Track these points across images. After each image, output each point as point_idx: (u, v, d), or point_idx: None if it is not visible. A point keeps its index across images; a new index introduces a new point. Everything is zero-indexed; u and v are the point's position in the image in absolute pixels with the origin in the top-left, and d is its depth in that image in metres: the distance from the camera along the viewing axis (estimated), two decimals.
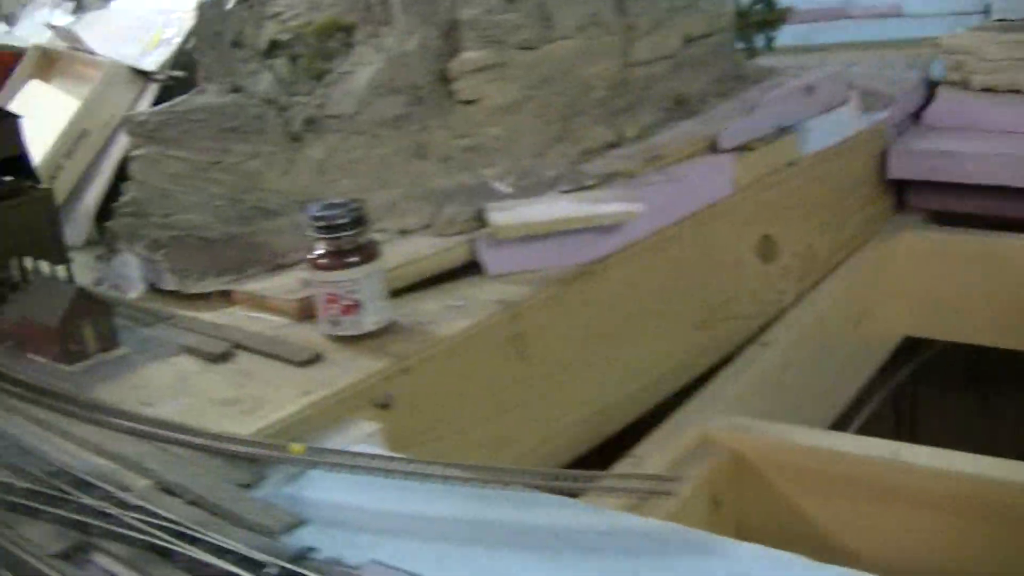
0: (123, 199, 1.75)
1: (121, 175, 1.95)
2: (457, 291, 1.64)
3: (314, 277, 1.48)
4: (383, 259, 1.49)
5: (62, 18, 2.58)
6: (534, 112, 1.92)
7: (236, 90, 1.81)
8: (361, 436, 1.31)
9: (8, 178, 1.64)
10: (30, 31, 2.65)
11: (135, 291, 1.75)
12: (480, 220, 1.73)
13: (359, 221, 1.46)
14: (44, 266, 1.68)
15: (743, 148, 2.05)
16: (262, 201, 1.75)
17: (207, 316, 1.63)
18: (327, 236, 1.46)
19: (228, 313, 1.64)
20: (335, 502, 1.15)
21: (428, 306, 1.59)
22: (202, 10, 1.83)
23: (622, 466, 1.58)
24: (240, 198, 1.74)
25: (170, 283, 1.70)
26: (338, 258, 1.46)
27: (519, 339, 1.59)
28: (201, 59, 1.88)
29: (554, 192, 1.81)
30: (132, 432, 1.25)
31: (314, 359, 1.44)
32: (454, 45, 1.87)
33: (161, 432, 1.23)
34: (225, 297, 1.68)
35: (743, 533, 1.21)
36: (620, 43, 2.03)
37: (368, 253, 1.47)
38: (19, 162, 1.64)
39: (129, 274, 1.75)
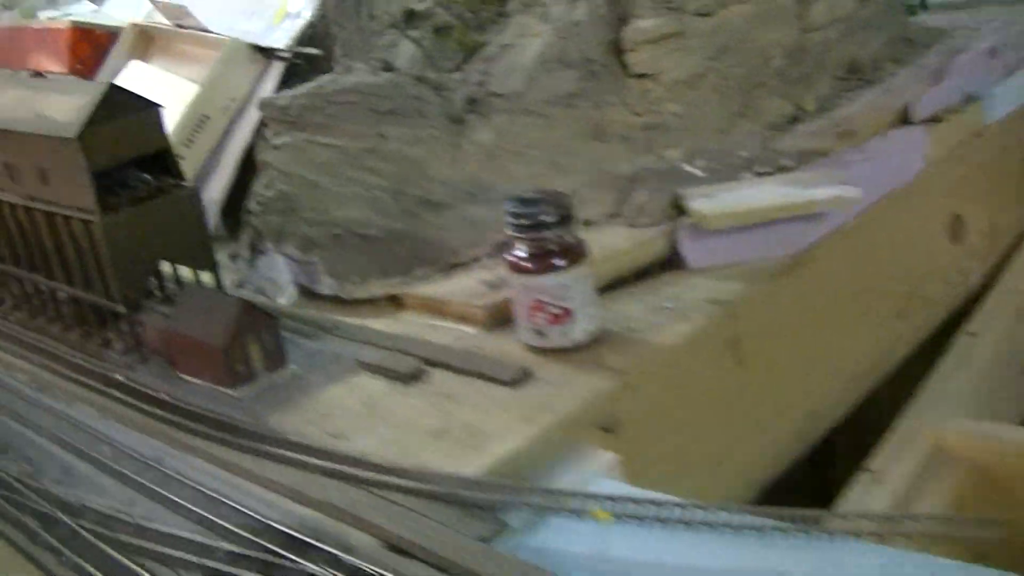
0: (266, 193, 1.58)
1: (247, 164, 1.78)
2: (660, 290, 1.45)
3: (514, 281, 1.30)
4: (591, 259, 1.30)
5: None
6: (714, 85, 1.71)
7: (387, 68, 1.62)
8: (600, 469, 1.13)
9: (147, 176, 1.44)
10: (121, 9, 2.47)
11: (285, 297, 1.57)
12: (676, 208, 1.53)
13: (567, 218, 1.27)
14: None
15: (931, 119, 1.85)
16: (427, 192, 1.56)
17: (376, 324, 1.45)
18: (530, 236, 1.27)
19: (400, 321, 1.47)
20: (595, 555, 0.98)
21: (632, 308, 1.40)
22: None
23: (861, 484, 1.40)
24: (401, 189, 1.55)
25: (328, 287, 1.52)
26: (543, 260, 1.27)
27: (737, 343, 1.40)
28: (339, 33, 1.70)
29: (750, 174, 1.61)
30: (344, 477, 1.07)
31: (523, 377, 1.25)
32: (624, 12, 1.67)
33: (391, 480, 1.04)
34: (393, 302, 1.51)
35: (982, 557, 1.04)
36: (795, 6, 1.83)
37: (576, 253, 1.28)
38: (161, 157, 1.45)
39: (277, 277, 1.58)
